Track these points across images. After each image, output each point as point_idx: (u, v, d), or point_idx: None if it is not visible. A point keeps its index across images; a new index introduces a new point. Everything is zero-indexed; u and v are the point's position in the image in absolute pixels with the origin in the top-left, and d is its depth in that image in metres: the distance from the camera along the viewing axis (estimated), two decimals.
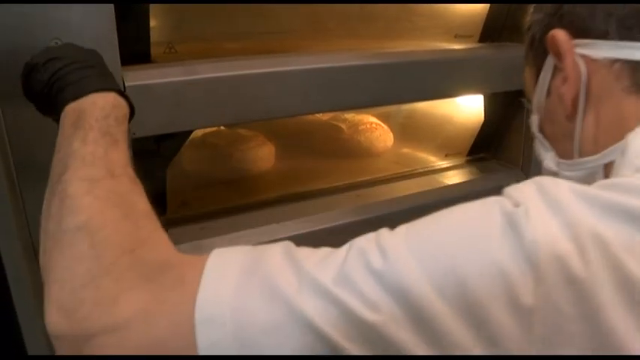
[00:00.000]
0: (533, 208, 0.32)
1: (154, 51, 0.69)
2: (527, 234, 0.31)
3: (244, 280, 0.34)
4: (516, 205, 0.33)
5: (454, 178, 1.00)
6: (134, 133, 0.62)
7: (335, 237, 0.70)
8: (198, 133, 1.06)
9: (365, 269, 0.32)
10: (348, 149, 1.08)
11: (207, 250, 0.69)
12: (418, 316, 0.31)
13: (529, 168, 0.98)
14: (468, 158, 1.07)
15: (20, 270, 0.49)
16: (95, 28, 0.56)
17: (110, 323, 0.33)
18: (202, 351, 0.32)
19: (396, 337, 0.31)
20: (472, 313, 0.30)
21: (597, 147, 0.45)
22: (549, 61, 0.48)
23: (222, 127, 1.08)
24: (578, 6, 0.44)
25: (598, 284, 0.29)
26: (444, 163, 1.06)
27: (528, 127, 0.58)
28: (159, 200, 0.75)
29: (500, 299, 0.30)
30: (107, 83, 0.48)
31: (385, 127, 1.14)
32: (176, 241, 0.70)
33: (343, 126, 1.10)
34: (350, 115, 1.14)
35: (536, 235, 0.31)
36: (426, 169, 1.03)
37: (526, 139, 0.97)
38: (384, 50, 0.84)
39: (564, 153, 0.49)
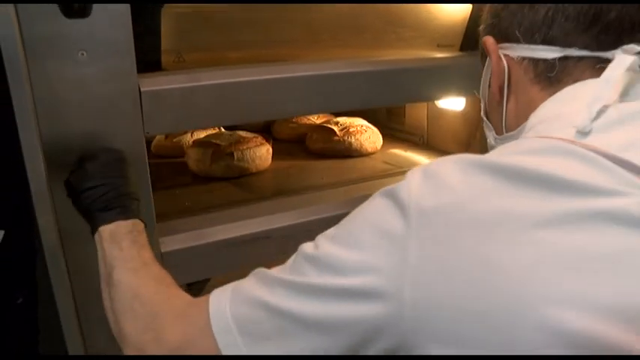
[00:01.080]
0: (412, 179, 0.45)
1: (165, 59, 0.77)
2: (401, 195, 0.44)
3: (233, 299, 0.49)
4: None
5: None
6: (147, 132, 0.70)
7: (325, 227, 0.79)
8: (201, 134, 1.14)
9: (305, 260, 0.47)
10: (340, 150, 1.16)
11: (209, 237, 0.77)
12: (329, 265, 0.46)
13: None
14: None
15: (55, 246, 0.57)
16: (115, 41, 0.64)
17: (168, 350, 0.49)
18: (224, 352, 0.47)
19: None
20: (362, 254, 0.44)
21: (517, 124, 0.57)
22: (489, 61, 0.60)
23: (223, 130, 1.16)
24: (502, 20, 0.57)
25: (444, 215, 0.42)
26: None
27: None
28: None
29: (381, 242, 0.43)
30: (128, 212, 0.62)
31: (375, 129, 1.22)
32: (183, 230, 0.78)
33: (335, 128, 1.18)
34: (342, 119, 1.23)
35: (410, 193, 0.44)
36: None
37: None
38: (372, 59, 0.92)
39: (498, 130, 0.62)
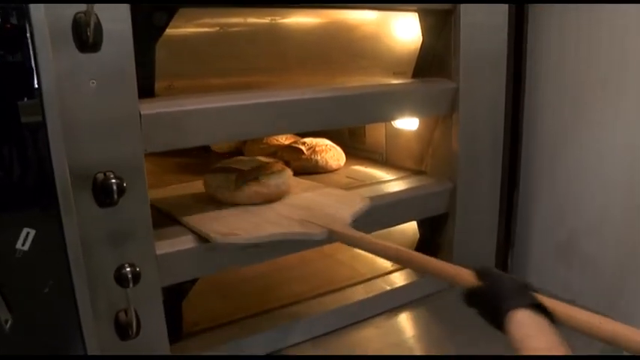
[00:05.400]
0: None
1: (157, 86, 0.89)
2: None
3: None
4: None
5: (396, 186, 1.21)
6: (146, 150, 0.81)
7: None
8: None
9: None
10: (307, 167, 1.28)
11: (196, 242, 0.86)
12: None
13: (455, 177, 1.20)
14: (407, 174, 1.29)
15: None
16: (120, 71, 0.75)
17: None
18: None
19: None
20: None
21: None
22: None
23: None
24: None
25: None
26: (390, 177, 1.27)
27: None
28: None
29: None
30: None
31: (338, 148, 1.34)
32: (174, 236, 0.88)
33: (303, 148, 1.30)
34: (308, 139, 1.35)
35: None
36: (372, 183, 1.24)
37: (453, 152, 1.18)
38: (336, 85, 1.05)
39: None
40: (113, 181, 0.72)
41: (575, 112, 1.25)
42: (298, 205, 1.00)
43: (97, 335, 0.75)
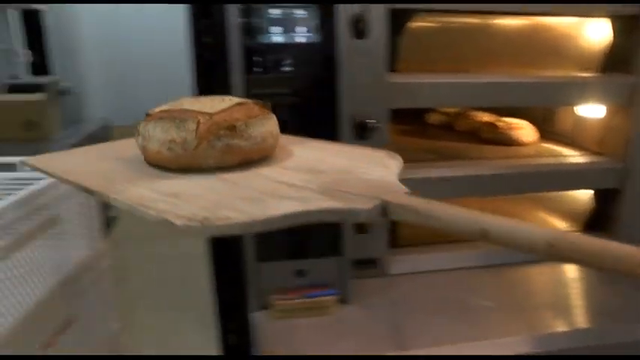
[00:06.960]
0: None
1: (398, 66, 1.28)
2: None
3: None
4: None
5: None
6: (390, 106, 1.20)
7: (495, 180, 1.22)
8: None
9: None
10: (501, 139, 1.60)
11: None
12: None
13: (626, 160, 1.42)
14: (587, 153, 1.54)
15: None
16: (379, 53, 1.15)
17: None
18: None
19: None
20: None
21: None
22: None
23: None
24: None
25: None
26: (571, 153, 1.54)
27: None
28: None
29: None
30: None
31: (531, 126, 1.64)
32: None
33: (500, 124, 1.62)
34: (506, 119, 1.66)
35: None
36: (555, 155, 1.51)
37: (627, 139, 1.41)
38: (533, 75, 1.36)
39: None
40: (368, 121, 1.14)
41: None
42: (300, 167, 0.63)
43: None
